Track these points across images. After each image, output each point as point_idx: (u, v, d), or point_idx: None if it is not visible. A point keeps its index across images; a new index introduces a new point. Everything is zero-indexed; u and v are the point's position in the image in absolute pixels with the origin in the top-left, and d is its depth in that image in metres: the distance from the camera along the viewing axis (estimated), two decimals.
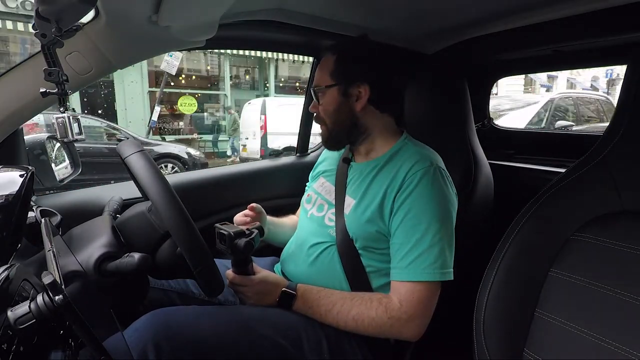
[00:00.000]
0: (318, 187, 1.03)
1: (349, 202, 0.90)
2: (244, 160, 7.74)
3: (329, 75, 0.91)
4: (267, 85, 11.54)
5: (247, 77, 11.98)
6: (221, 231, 0.80)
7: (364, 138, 0.94)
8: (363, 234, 0.86)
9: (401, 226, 0.82)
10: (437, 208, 0.81)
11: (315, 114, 0.96)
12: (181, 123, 10.42)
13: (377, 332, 0.80)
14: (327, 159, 1.08)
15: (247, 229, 0.81)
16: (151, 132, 8.27)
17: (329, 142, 0.97)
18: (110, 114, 8.73)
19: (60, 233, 0.76)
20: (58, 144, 1.10)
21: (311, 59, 1.55)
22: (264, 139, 7.46)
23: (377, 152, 0.94)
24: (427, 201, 0.81)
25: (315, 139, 1.82)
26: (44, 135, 1.03)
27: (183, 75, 10.46)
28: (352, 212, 0.88)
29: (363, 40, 0.96)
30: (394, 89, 0.94)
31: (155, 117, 8.16)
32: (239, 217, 1.03)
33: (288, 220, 1.18)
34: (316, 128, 1.71)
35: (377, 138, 0.94)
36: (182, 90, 10.05)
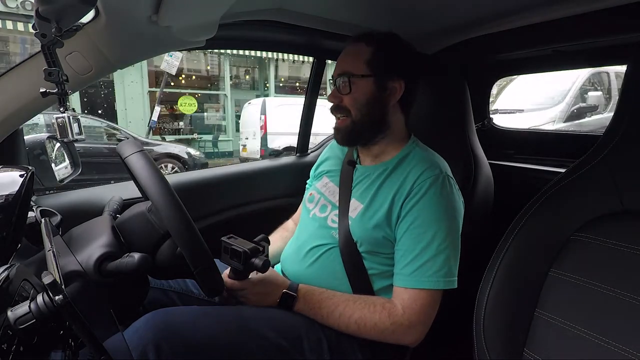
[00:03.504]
0: (321, 187, 1.02)
1: (356, 205, 0.90)
2: (244, 160, 7.73)
3: (364, 63, 0.87)
4: (267, 85, 11.54)
5: (247, 77, 11.97)
6: (233, 247, 0.78)
7: (382, 138, 0.92)
8: (369, 239, 0.85)
9: (407, 233, 0.81)
10: (444, 216, 0.81)
11: (334, 104, 0.90)
12: (181, 123, 10.41)
13: (378, 337, 0.80)
14: (330, 159, 1.08)
15: (255, 242, 0.80)
16: (151, 132, 8.26)
17: (349, 135, 0.91)
18: (110, 114, 8.72)
19: (60, 233, 0.76)
20: (58, 144, 1.10)
21: (311, 59, 1.55)
22: (264, 139, 7.45)
23: (386, 155, 0.93)
24: (435, 209, 0.81)
25: (316, 139, 1.83)
26: (44, 135, 1.03)
27: (183, 75, 10.46)
28: (359, 216, 0.88)
29: (396, 36, 0.92)
30: (417, 89, 0.93)
31: (155, 117, 8.15)
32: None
33: (279, 236, 1.15)
34: (316, 128, 1.72)
35: (390, 139, 0.93)
36: (182, 90, 10.04)
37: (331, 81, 0.93)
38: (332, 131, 0.96)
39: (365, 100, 0.87)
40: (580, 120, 4.48)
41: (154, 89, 9.25)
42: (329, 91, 0.94)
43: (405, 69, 0.89)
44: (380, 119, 0.90)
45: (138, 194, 0.97)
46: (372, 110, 0.88)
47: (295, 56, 9.35)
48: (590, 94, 4.67)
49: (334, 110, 0.91)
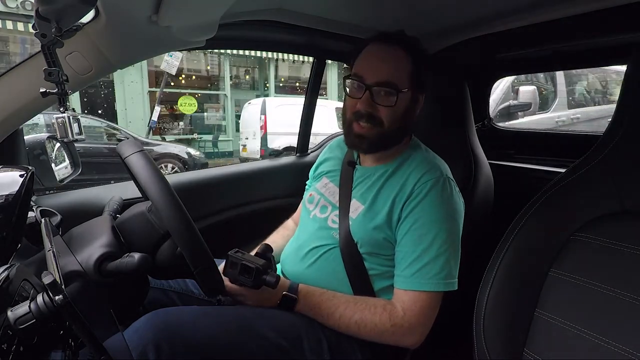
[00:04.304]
0: (321, 188, 1.02)
1: (357, 206, 0.90)
2: (244, 160, 7.73)
3: (407, 76, 0.85)
4: (267, 85, 11.54)
5: (247, 77, 11.97)
6: (244, 263, 0.77)
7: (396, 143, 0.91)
8: (370, 240, 0.85)
9: (408, 235, 0.82)
10: (444, 219, 0.81)
11: (366, 112, 0.83)
12: (181, 123, 10.41)
13: (378, 338, 0.80)
14: (329, 159, 1.07)
15: (261, 255, 0.80)
16: (151, 132, 8.26)
17: (377, 144, 0.87)
18: (110, 114, 8.72)
19: (60, 233, 0.76)
20: (58, 144, 1.10)
21: (311, 59, 1.55)
22: (264, 139, 7.45)
23: (387, 157, 0.92)
24: (435, 211, 0.81)
25: (316, 139, 1.83)
26: (44, 135, 1.03)
27: (183, 75, 10.46)
28: (360, 217, 0.88)
29: (421, 45, 0.89)
30: None
31: (155, 117, 8.16)
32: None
33: (281, 235, 1.15)
34: (316, 128, 1.72)
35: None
36: (182, 90, 10.04)
37: (355, 81, 0.85)
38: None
39: (402, 113, 0.86)
40: (512, 122, 3.76)
41: (154, 89, 9.25)
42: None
43: (426, 81, 0.91)
44: (408, 129, 0.91)
45: (138, 194, 0.97)
46: (405, 122, 0.88)
47: (295, 56, 9.34)
48: (521, 88, 3.69)
49: (363, 118, 0.84)
